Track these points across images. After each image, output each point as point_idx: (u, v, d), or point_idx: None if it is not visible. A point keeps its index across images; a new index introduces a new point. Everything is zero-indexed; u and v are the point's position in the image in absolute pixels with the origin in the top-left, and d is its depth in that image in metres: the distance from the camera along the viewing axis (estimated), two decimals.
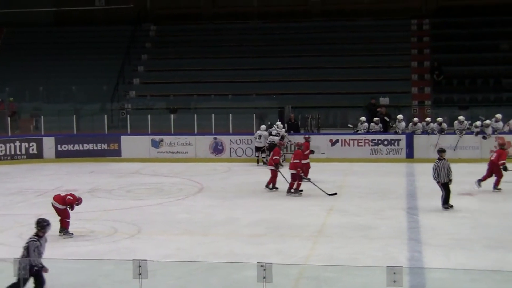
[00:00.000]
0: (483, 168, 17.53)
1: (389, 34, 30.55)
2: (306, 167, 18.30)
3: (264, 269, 8.09)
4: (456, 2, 31.21)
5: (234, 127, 24.46)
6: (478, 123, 22.63)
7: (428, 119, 23.49)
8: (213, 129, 24.43)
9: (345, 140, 23.44)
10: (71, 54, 31.55)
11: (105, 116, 25.82)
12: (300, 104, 26.82)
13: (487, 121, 22.50)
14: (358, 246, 12.25)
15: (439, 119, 23.11)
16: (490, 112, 23.30)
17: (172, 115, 25.67)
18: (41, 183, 19.89)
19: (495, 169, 17.11)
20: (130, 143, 24.57)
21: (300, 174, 17.15)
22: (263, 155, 22.90)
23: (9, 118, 25.12)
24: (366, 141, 23.28)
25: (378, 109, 25.20)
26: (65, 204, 13.19)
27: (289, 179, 17.24)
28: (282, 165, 17.94)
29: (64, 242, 12.77)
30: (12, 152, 24.15)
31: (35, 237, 9.56)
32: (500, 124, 22.69)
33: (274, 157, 17.88)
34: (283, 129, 23.16)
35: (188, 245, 12.60)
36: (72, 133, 25.00)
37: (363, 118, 24.05)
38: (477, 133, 22.53)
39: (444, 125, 22.97)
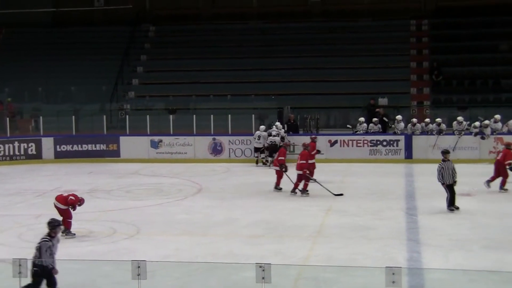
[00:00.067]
0: (482, 169, 17.57)
1: (388, 34, 30.53)
2: (312, 167, 18.23)
3: (263, 270, 8.11)
4: (455, 2, 31.23)
5: (233, 128, 24.41)
6: (477, 123, 22.62)
7: (427, 119, 23.52)
8: (212, 129, 24.42)
9: (344, 141, 23.41)
10: (70, 54, 31.52)
11: (104, 116, 25.82)
12: (299, 105, 26.84)
13: (486, 122, 22.51)
14: (357, 247, 12.25)
15: (438, 119, 23.11)
16: (489, 113, 23.31)
17: (171, 116, 25.66)
18: (40, 183, 19.87)
19: (501, 169, 17.06)
20: (129, 144, 24.53)
21: (306, 174, 17.11)
22: (262, 155, 22.92)
23: (8, 119, 25.10)
24: (365, 141, 23.26)
25: (377, 110, 25.22)
26: (67, 205, 13.19)
27: (295, 180, 17.19)
28: (286, 167, 17.75)
29: (64, 243, 12.70)
30: (11, 153, 24.10)
31: (47, 237, 9.57)
32: (499, 124, 22.69)
33: (279, 158, 17.83)
34: (282, 130, 23.17)
35: (187, 245, 12.60)
36: (71, 133, 24.96)
37: (362, 119, 24.05)
38: (476, 134, 22.52)
39: (443, 126, 22.96)
